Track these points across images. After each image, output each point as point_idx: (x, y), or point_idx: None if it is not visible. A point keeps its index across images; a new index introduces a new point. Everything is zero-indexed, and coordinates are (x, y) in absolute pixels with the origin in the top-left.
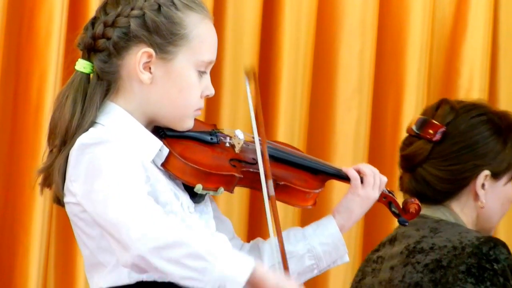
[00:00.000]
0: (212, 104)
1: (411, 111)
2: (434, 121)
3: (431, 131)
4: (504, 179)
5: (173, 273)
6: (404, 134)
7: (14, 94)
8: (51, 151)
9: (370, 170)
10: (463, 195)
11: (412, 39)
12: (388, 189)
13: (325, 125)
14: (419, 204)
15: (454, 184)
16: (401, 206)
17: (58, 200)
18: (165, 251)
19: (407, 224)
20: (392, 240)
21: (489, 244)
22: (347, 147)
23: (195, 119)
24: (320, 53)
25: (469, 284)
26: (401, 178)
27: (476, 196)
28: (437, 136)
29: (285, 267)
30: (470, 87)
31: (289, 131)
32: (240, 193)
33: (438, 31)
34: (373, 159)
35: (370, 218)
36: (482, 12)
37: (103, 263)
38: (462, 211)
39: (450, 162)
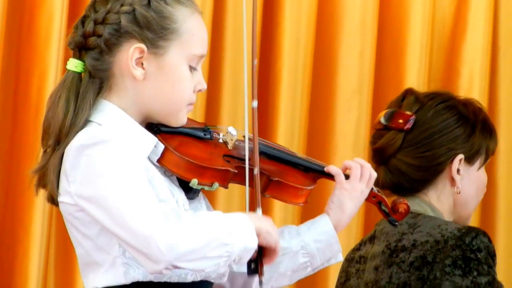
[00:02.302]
0: (212, 104)
1: None
2: (402, 111)
3: (400, 121)
4: (477, 163)
5: (205, 268)
6: None
7: (14, 94)
8: (45, 151)
9: (355, 163)
10: (439, 182)
11: (412, 39)
12: (378, 189)
13: (325, 125)
14: (408, 203)
15: (429, 171)
16: (390, 206)
17: (53, 200)
18: (193, 254)
19: (397, 224)
20: (372, 238)
21: (471, 234)
22: (347, 147)
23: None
24: (320, 53)
25: (457, 277)
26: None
27: (453, 182)
28: (408, 124)
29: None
30: (470, 87)
31: (289, 131)
32: (240, 194)
33: (438, 31)
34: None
35: (370, 218)
36: (482, 12)
37: (98, 262)
38: (439, 199)
39: (423, 148)
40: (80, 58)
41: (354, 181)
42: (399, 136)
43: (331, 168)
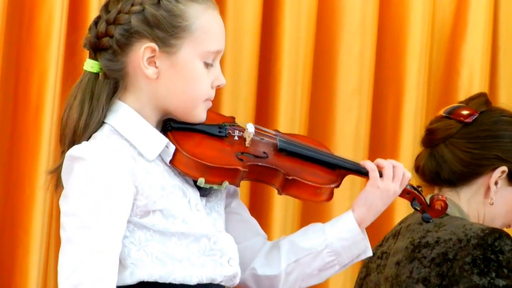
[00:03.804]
0: (212, 104)
1: (411, 111)
2: (467, 107)
3: (463, 114)
4: None
5: None
6: (404, 134)
7: (14, 94)
8: (62, 151)
9: (388, 163)
10: (474, 185)
11: (412, 39)
12: (413, 185)
13: (325, 125)
14: (446, 201)
15: (470, 168)
16: (427, 203)
17: None
18: None
19: (431, 221)
20: (396, 235)
21: (494, 235)
22: (347, 147)
23: (213, 112)
24: (320, 53)
25: (475, 275)
26: (418, 156)
27: (487, 192)
28: (469, 118)
29: None
30: (470, 87)
31: (289, 131)
32: (241, 192)
33: (438, 31)
34: (373, 159)
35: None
36: (482, 12)
37: None
38: (469, 203)
39: (474, 145)
40: (95, 58)
41: (387, 180)
42: (456, 125)
43: (367, 164)
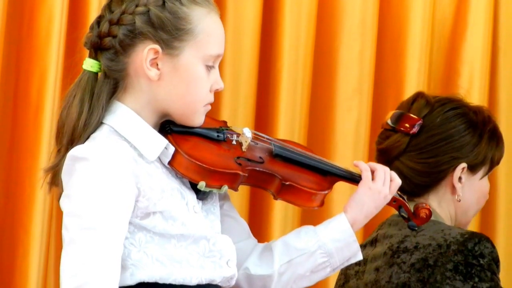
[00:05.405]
0: (212, 104)
1: None
2: (410, 115)
3: (407, 124)
4: (480, 172)
5: None
6: None
7: (14, 94)
8: (59, 150)
9: (380, 166)
10: (440, 189)
11: (412, 39)
12: (399, 193)
13: (325, 125)
14: (430, 209)
15: (431, 177)
16: (412, 211)
17: None
18: None
19: (416, 229)
20: (373, 242)
21: (474, 240)
22: (347, 147)
23: (206, 115)
24: (320, 53)
25: (458, 281)
26: None
27: (453, 190)
28: (415, 129)
29: None
30: (470, 87)
31: (289, 131)
32: (241, 193)
33: (438, 31)
34: (373, 159)
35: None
36: (482, 12)
37: None
38: (440, 205)
39: (427, 154)
40: (95, 58)
41: (379, 182)
42: (404, 139)
43: (361, 164)
